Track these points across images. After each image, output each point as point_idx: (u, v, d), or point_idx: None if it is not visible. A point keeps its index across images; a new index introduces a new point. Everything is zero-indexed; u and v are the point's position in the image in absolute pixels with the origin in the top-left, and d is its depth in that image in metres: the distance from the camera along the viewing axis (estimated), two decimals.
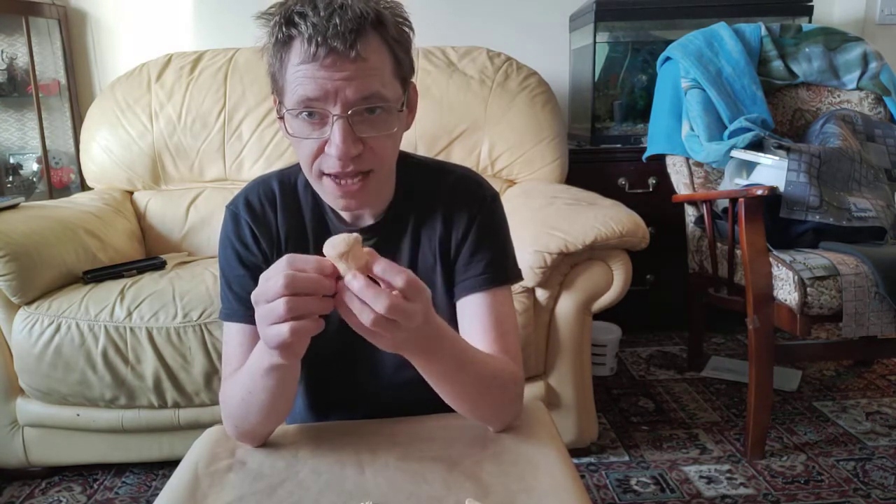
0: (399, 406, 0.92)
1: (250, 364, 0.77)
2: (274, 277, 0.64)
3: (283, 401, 0.83)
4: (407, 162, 0.92)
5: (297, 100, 0.75)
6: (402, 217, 0.91)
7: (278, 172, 0.94)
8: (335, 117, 0.74)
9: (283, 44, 0.75)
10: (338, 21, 0.71)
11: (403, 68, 0.79)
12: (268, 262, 0.90)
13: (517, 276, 0.93)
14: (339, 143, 0.74)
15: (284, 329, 0.64)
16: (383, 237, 0.90)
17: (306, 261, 0.65)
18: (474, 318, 0.88)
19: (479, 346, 0.86)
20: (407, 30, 0.80)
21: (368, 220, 0.90)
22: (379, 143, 0.78)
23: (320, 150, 0.77)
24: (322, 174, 0.80)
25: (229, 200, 0.93)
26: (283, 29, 0.74)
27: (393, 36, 0.76)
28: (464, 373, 0.78)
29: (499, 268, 0.90)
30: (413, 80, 0.83)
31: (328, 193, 0.82)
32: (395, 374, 0.92)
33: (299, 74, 0.74)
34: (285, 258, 0.65)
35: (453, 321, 0.91)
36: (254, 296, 0.66)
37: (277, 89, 0.79)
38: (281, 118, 0.79)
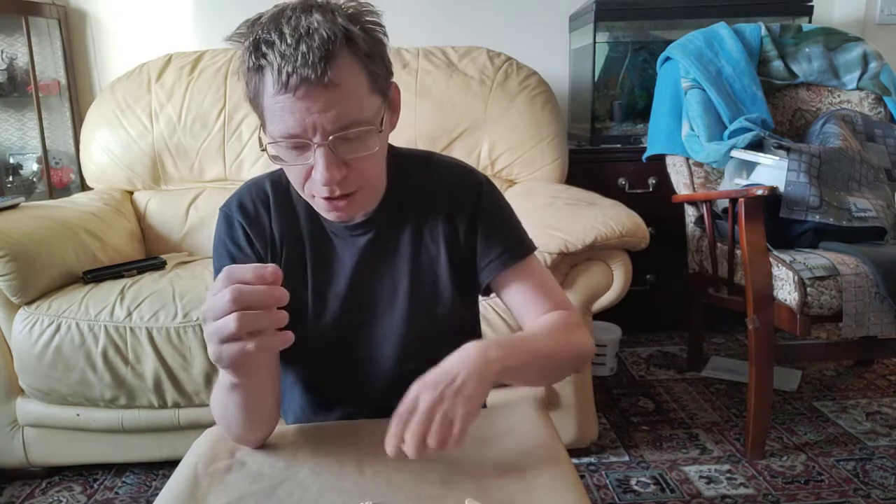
0: (401, 399, 0.92)
1: (219, 380, 0.78)
2: (220, 292, 0.64)
3: (261, 412, 0.83)
4: (397, 154, 0.93)
5: (279, 134, 0.75)
6: (398, 210, 0.91)
7: (270, 174, 0.94)
8: (316, 145, 0.74)
9: (254, 71, 0.74)
10: (305, 49, 0.70)
11: (379, 80, 0.78)
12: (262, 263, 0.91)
13: (534, 245, 0.96)
14: (324, 170, 0.75)
15: (235, 347, 0.64)
16: (379, 231, 0.91)
17: (245, 270, 0.65)
18: (519, 289, 0.92)
19: (533, 312, 0.90)
20: (379, 35, 0.78)
21: (362, 216, 0.91)
22: (362, 163, 0.78)
23: (308, 175, 0.78)
24: (313, 195, 0.81)
25: (223, 202, 0.94)
26: (253, 57, 0.73)
27: (364, 51, 0.75)
28: (539, 365, 0.83)
29: (519, 241, 0.94)
30: (393, 79, 0.82)
31: (319, 208, 0.84)
32: (396, 366, 0.92)
33: (277, 107, 0.73)
34: (225, 270, 0.65)
35: (457, 310, 0.93)
36: (202, 313, 0.66)
37: (258, 114, 0.79)
38: (263, 150, 0.79)
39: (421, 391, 0.72)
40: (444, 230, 0.91)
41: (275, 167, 0.87)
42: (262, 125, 0.79)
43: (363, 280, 0.91)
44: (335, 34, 0.72)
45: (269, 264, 0.66)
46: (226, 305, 0.63)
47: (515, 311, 0.93)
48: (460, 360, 0.74)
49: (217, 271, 0.91)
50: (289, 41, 0.71)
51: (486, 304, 1.53)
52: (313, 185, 0.79)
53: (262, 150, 0.78)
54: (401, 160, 0.93)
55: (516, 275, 0.92)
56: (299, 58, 0.70)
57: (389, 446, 0.72)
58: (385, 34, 0.79)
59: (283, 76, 0.71)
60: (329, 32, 0.71)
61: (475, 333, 1.05)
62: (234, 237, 0.91)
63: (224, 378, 0.76)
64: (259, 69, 0.73)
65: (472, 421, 0.72)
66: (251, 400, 0.79)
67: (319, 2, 0.75)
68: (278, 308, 0.66)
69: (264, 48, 0.72)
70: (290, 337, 0.67)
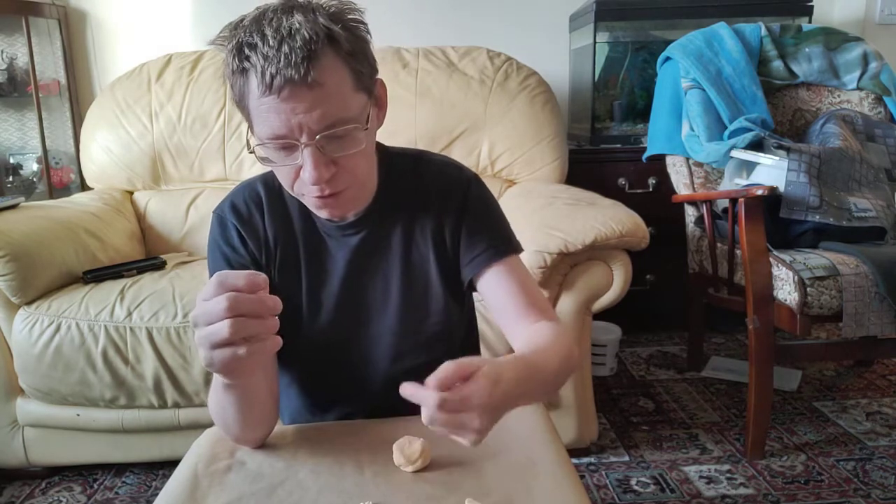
0: (398, 398, 0.92)
1: (214, 380, 0.78)
2: (214, 298, 0.63)
3: (257, 411, 0.84)
4: (388, 154, 0.93)
5: (266, 135, 0.75)
6: (389, 209, 0.92)
7: (262, 176, 0.95)
8: (304, 145, 0.75)
9: (239, 74, 0.74)
10: (287, 49, 0.70)
11: (364, 78, 0.78)
12: (256, 264, 0.91)
13: (520, 247, 0.95)
14: (312, 169, 0.75)
15: (227, 353, 0.64)
16: (371, 230, 0.91)
17: (237, 277, 0.64)
18: (501, 288, 0.90)
19: (514, 314, 0.88)
20: (361, 33, 0.78)
21: (353, 215, 0.91)
22: (350, 161, 0.79)
23: (296, 175, 0.78)
24: (303, 194, 0.81)
25: (216, 205, 0.94)
26: (236, 60, 0.73)
27: (347, 50, 0.75)
28: (542, 384, 0.77)
29: (504, 239, 0.92)
30: (378, 75, 0.82)
31: (311, 205, 0.84)
32: (391, 366, 0.92)
33: (263, 109, 0.73)
34: (216, 276, 0.65)
35: (449, 308, 0.93)
36: (192, 317, 0.66)
37: (245, 117, 0.79)
38: (251, 151, 0.79)
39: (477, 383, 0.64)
40: (433, 229, 0.91)
41: (267, 169, 0.87)
42: (250, 127, 0.79)
43: (356, 280, 0.92)
44: (317, 34, 0.72)
45: (260, 273, 0.65)
46: (220, 312, 0.63)
47: (495, 309, 0.92)
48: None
49: (212, 274, 0.91)
50: (271, 43, 0.71)
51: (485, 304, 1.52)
52: (303, 185, 0.79)
53: (251, 152, 0.78)
54: (392, 159, 0.93)
55: (499, 273, 0.90)
56: (282, 59, 0.70)
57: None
58: (368, 31, 0.79)
59: (267, 78, 0.71)
60: (311, 32, 0.71)
61: (470, 333, 1.05)
62: (227, 239, 0.91)
63: (218, 378, 0.76)
64: (243, 72, 0.74)
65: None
66: (246, 399, 0.80)
67: (301, 2, 0.75)
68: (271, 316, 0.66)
69: (247, 51, 0.72)
70: (279, 341, 0.66)
